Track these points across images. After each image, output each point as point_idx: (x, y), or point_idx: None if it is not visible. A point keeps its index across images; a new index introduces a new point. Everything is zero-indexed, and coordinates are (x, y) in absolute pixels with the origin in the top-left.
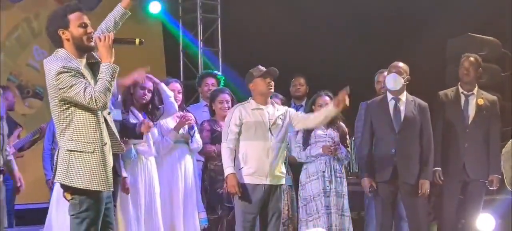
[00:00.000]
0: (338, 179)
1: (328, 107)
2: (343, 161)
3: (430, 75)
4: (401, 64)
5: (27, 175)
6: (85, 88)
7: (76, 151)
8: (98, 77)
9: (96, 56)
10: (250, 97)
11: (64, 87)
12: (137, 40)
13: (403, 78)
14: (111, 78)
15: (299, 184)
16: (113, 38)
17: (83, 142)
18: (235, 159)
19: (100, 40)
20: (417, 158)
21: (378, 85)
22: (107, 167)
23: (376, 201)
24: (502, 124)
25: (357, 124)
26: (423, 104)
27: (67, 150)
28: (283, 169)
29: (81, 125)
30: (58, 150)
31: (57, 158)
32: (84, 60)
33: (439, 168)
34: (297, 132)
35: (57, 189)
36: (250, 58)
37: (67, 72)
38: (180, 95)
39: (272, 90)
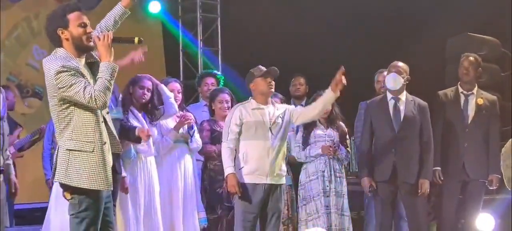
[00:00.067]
0: (338, 178)
1: (324, 95)
2: (343, 161)
3: (430, 75)
4: (400, 64)
5: (27, 175)
6: (85, 88)
7: (75, 150)
8: (97, 77)
9: (95, 56)
10: (250, 97)
11: (64, 87)
12: (136, 39)
13: (403, 78)
14: (111, 77)
15: (299, 184)
16: (112, 37)
17: (83, 141)
18: (235, 158)
19: (99, 39)
20: (416, 157)
21: (378, 85)
22: (106, 166)
23: (376, 200)
24: (501, 124)
25: (357, 124)
26: (423, 104)
27: (67, 149)
28: (284, 167)
29: (81, 124)
30: (58, 149)
31: (56, 157)
32: (83, 60)
33: (439, 168)
34: (297, 131)
35: (56, 189)
36: (250, 58)
37: (66, 71)
38: (180, 95)
39: (273, 90)
